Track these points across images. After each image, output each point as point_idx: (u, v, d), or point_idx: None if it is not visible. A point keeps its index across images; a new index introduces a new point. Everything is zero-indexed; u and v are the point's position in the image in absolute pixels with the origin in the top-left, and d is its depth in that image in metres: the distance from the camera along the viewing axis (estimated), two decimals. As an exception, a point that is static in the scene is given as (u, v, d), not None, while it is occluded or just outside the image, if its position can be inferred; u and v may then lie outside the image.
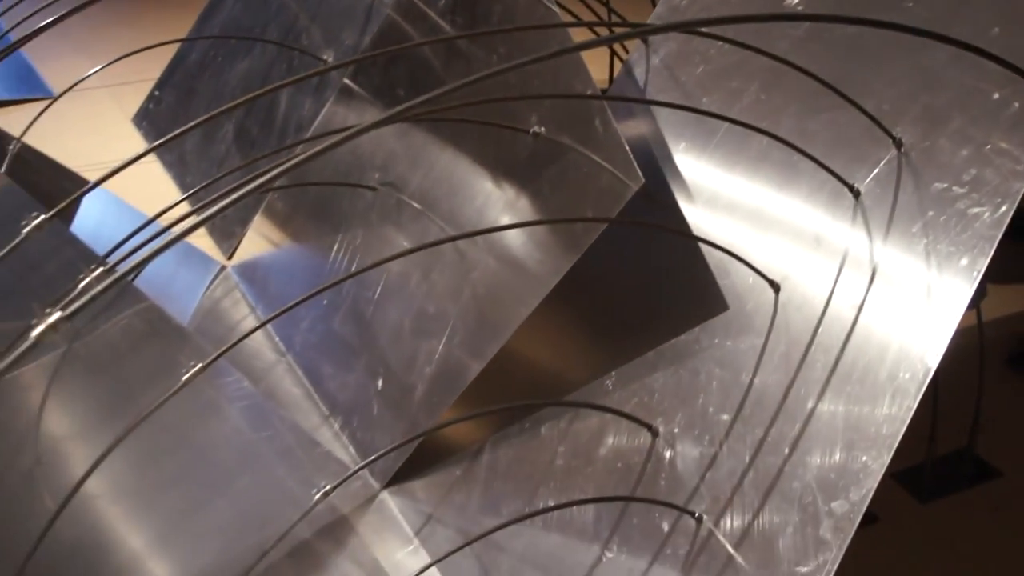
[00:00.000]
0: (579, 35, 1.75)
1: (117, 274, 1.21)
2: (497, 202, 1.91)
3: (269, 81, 2.51)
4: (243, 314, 2.43)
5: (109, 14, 2.05)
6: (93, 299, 1.07)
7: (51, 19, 1.74)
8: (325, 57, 2.41)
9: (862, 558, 1.36)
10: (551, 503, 1.67)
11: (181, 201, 2.04)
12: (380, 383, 2.00)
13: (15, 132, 2.29)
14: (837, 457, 1.39)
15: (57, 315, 1.02)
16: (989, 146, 1.41)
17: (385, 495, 1.88)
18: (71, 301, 1.08)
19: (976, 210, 1.38)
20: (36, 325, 1.07)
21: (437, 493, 1.84)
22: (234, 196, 1.09)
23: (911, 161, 1.48)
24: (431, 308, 1.97)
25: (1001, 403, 2.53)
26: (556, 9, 1.85)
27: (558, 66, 1.79)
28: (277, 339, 2.29)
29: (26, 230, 1.36)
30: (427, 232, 2.01)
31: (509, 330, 1.79)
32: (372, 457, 1.85)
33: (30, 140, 2.29)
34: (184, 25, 2.87)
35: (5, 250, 1.34)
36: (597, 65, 2.78)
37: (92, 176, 2.38)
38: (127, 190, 2.30)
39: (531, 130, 1.82)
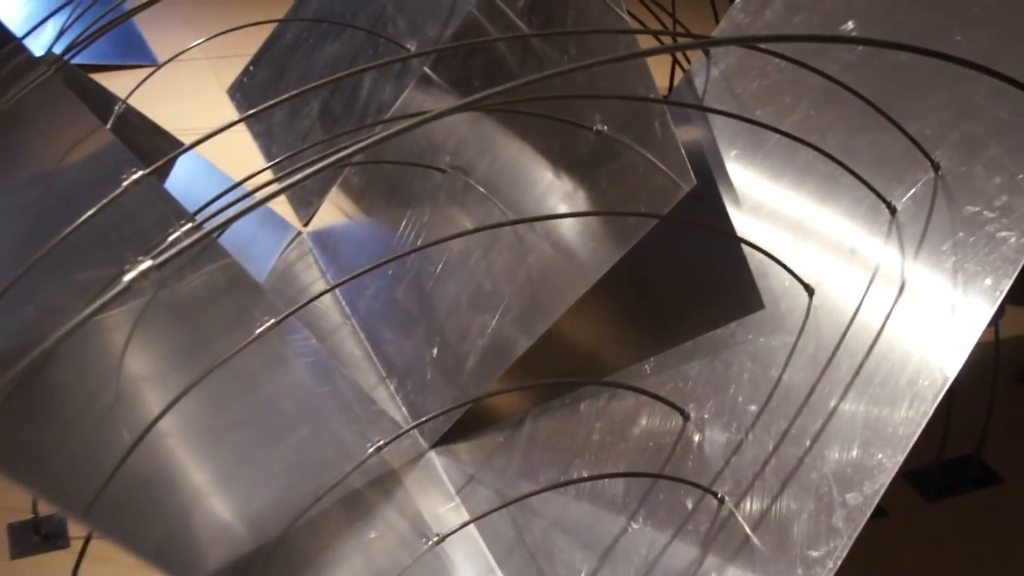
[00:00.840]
0: (645, 42, 1.76)
1: (204, 231, 1.23)
2: (556, 192, 1.92)
3: (355, 64, 2.53)
4: (314, 277, 2.44)
5: (219, 7, 2.09)
6: (180, 252, 1.10)
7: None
8: (408, 46, 2.42)
9: (870, 548, 1.37)
10: (585, 474, 1.69)
11: (266, 169, 2.07)
12: (435, 351, 2.01)
13: (121, 94, 2.32)
14: (854, 453, 1.40)
15: (147, 264, 1.05)
16: (1021, 176, 1.41)
17: (432, 454, 1.89)
18: (160, 252, 1.11)
19: (1004, 234, 1.38)
20: (128, 271, 1.10)
21: (480, 456, 1.85)
22: (315, 167, 1.11)
23: (947, 184, 1.48)
24: (488, 286, 1.97)
25: (1008, 416, 2.54)
26: (625, 16, 1.85)
27: (623, 69, 1.79)
28: (343, 303, 2.30)
29: (125, 183, 1.38)
30: (489, 215, 2.02)
31: (558, 312, 1.79)
32: (423, 419, 1.88)
33: (134, 102, 2.32)
34: (282, 7, 2.89)
35: (104, 201, 1.37)
36: (660, 72, 2.78)
37: (187, 139, 2.41)
38: (218, 155, 2.33)
39: (594, 127, 1.83)
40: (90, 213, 1.37)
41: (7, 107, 1.54)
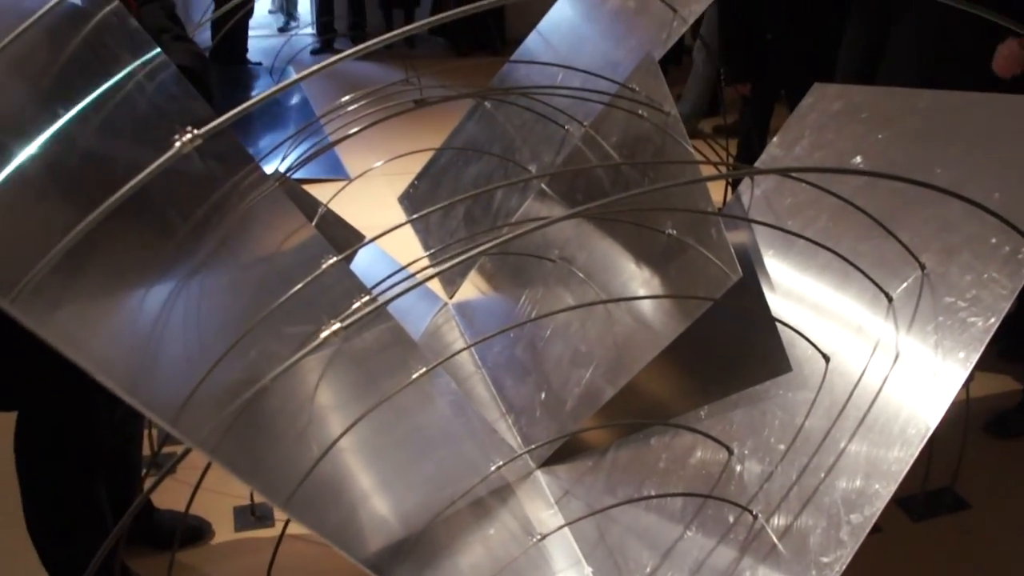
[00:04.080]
0: (706, 167, 1.76)
1: (378, 303, 1.30)
2: (637, 278, 1.93)
3: (491, 182, 2.57)
4: (455, 337, 2.47)
5: (391, 127, 2.16)
6: (361, 318, 1.18)
7: (356, 129, 1.88)
8: (530, 167, 2.45)
9: (867, 558, 1.36)
10: (652, 493, 1.68)
11: (423, 257, 2.13)
12: (543, 395, 2.02)
13: (323, 200, 2.43)
14: (858, 483, 1.39)
15: (337, 325, 1.13)
16: (986, 275, 1.41)
17: (538, 473, 1.90)
18: (346, 317, 1.18)
19: (973, 319, 1.39)
20: (324, 330, 1.17)
21: (573, 476, 1.86)
22: (460, 258, 1.19)
23: (931, 280, 1.48)
24: (583, 347, 1.98)
25: (976, 457, 2.54)
26: (691, 148, 1.87)
27: (689, 188, 1.81)
28: (476, 357, 2.33)
29: (324, 266, 1.45)
30: (586, 295, 2.03)
31: (637, 369, 1.80)
32: (532, 446, 1.90)
33: (332, 206, 2.42)
34: (439, 138, 2.94)
35: (309, 278, 1.44)
36: (716, 189, 2.80)
37: (369, 234, 2.49)
38: (389, 246, 2.40)
39: (666, 231, 1.84)
40: (299, 286, 1.42)
41: (246, 208, 1.60)
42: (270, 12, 8.80)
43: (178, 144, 0.93)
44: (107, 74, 1.36)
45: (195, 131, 0.93)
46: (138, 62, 1.46)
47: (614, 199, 1.49)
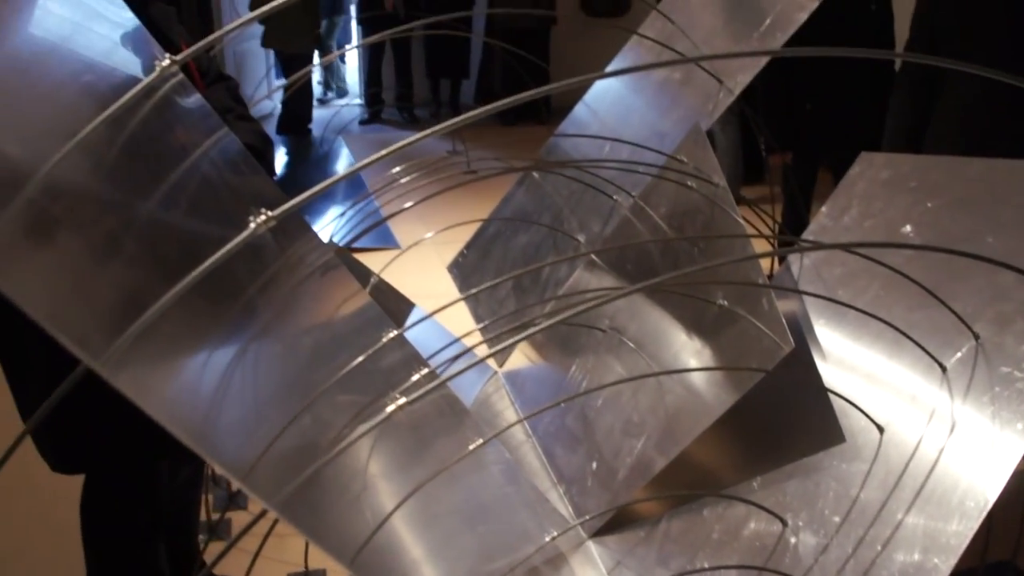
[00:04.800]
0: (758, 241, 1.78)
1: (441, 379, 1.33)
2: (688, 349, 1.94)
3: (540, 251, 2.61)
4: (505, 406, 2.49)
5: (440, 200, 2.24)
6: (426, 394, 1.20)
7: (409, 204, 1.95)
8: (579, 237, 2.49)
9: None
10: (706, 565, 1.67)
11: (476, 329, 2.17)
12: (594, 465, 2.03)
13: (375, 269, 2.46)
14: (916, 557, 1.38)
15: (403, 400, 1.16)
16: (1042, 344, 1.41)
17: (590, 543, 1.90)
18: (408, 390, 1.22)
19: (1030, 389, 1.38)
20: (388, 404, 1.20)
21: (625, 547, 1.85)
22: (514, 339, 1.23)
23: (985, 350, 1.48)
24: (635, 417, 1.99)
25: None
26: (740, 219, 1.90)
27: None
28: (527, 426, 2.35)
29: (384, 340, 1.49)
30: (637, 365, 2.04)
31: (689, 440, 1.80)
32: (585, 517, 1.90)
33: (383, 275, 2.44)
34: (488, 205, 3.00)
35: (367, 352, 1.48)
36: (766, 259, 2.81)
37: (419, 302, 2.55)
38: (441, 314, 2.43)
39: (717, 302, 1.86)
40: (360, 359, 1.45)
41: (304, 275, 1.64)
42: (318, 83, 9.05)
43: (253, 225, 0.99)
44: (172, 148, 1.43)
45: (269, 212, 0.99)
46: (209, 141, 1.53)
47: (668, 276, 1.54)
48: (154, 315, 0.88)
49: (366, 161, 0.94)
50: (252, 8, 8.09)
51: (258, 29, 7.76)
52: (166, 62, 1.01)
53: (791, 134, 4.34)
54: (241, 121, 2.08)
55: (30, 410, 1.95)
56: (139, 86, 0.98)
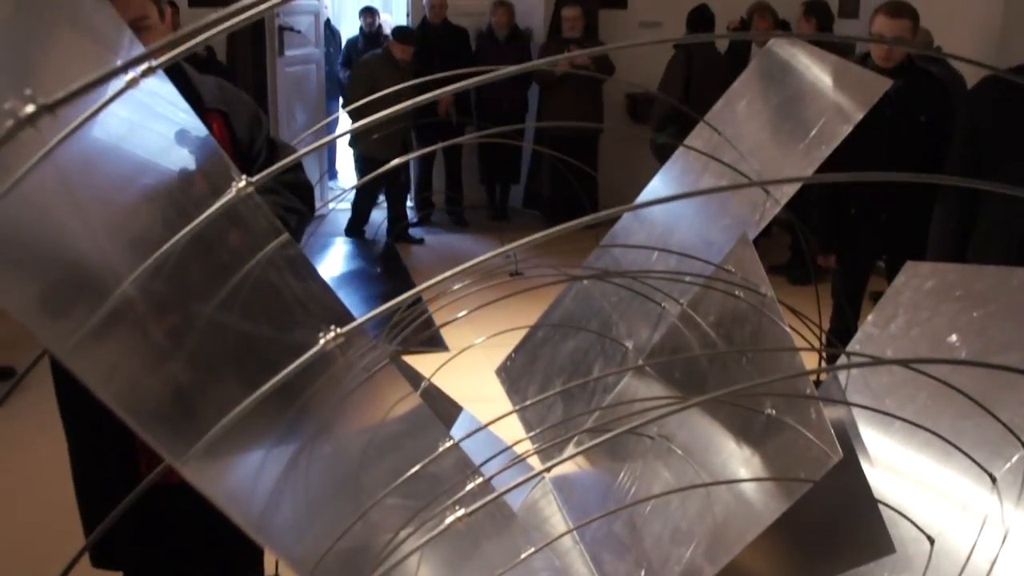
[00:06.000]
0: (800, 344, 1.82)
1: (498, 494, 1.37)
2: (737, 458, 1.97)
3: (588, 357, 2.66)
4: (553, 511, 2.51)
5: (487, 298, 2.32)
6: (486, 504, 1.23)
7: (463, 312, 2.03)
8: (627, 344, 2.54)
9: None
10: None
11: (526, 438, 2.21)
12: (643, 573, 2.03)
13: (423, 370, 2.55)
14: None
15: (462, 511, 1.19)
16: (1092, 456, 1.43)
17: None
18: (461, 500, 1.26)
19: (1080, 500, 1.40)
20: (448, 515, 1.22)
21: None
22: (567, 455, 1.27)
23: None
24: (684, 526, 2.00)
25: None
26: (788, 329, 1.94)
27: (787, 367, 1.87)
28: (575, 532, 2.35)
29: (441, 449, 1.54)
30: (685, 472, 2.07)
31: (738, 549, 1.80)
32: None
33: (434, 379, 2.53)
34: (535, 308, 3.05)
35: (427, 460, 1.53)
36: (813, 360, 2.82)
37: (467, 406, 2.60)
38: (485, 413, 2.45)
39: (765, 411, 1.88)
40: (416, 468, 1.49)
41: (360, 377, 1.71)
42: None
43: (322, 342, 1.07)
44: (228, 248, 1.49)
45: (339, 330, 1.07)
46: (268, 248, 1.62)
47: (720, 393, 1.57)
48: (233, 420, 0.95)
49: (441, 277, 1.02)
50: (344, 104, 8.45)
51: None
52: (242, 183, 1.11)
53: (838, 238, 4.45)
54: (279, 197, 2.20)
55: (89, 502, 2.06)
56: (217, 206, 1.07)
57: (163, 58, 0.85)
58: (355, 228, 8.48)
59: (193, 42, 0.81)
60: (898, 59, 4.28)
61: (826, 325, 4.26)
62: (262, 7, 0.82)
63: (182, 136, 1.51)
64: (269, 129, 2.51)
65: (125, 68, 0.80)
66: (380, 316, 1.15)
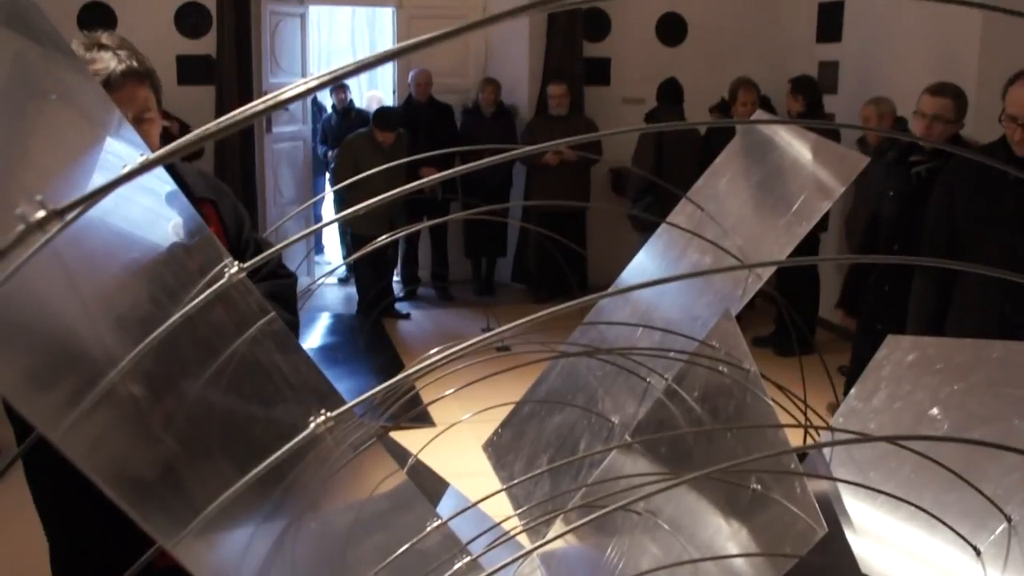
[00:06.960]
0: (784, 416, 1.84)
1: (487, 574, 1.39)
2: (724, 532, 1.97)
3: (575, 432, 2.67)
4: None
5: (473, 373, 2.35)
6: None
7: (451, 390, 2.05)
8: (613, 419, 2.56)
9: None
10: None
11: (514, 515, 2.22)
12: None
13: (409, 446, 2.57)
14: None
15: None
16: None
17: None
18: None
19: (1063, 572, 1.42)
20: None
21: None
22: (554, 535, 1.29)
23: (1018, 532, 1.53)
24: None
25: None
26: (771, 403, 1.96)
27: (772, 443, 1.88)
28: None
29: (428, 529, 1.55)
30: (673, 548, 2.07)
31: None
32: None
33: (421, 455, 2.55)
34: (522, 383, 3.06)
35: (413, 541, 1.54)
36: (796, 435, 2.86)
37: (453, 481, 2.60)
38: (472, 489, 2.49)
39: (751, 486, 1.89)
40: (404, 548, 1.50)
41: (346, 455, 1.73)
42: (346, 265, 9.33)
43: (312, 426, 1.09)
44: (212, 324, 1.51)
45: (328, 414, 1.09)
46: (253, 329, 1.65)
47: (707, 472, 1.58)
48: (225, 502, 0.97)
49: (431, 361, 1.05)
50: (334, 182, 8.55)
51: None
52: (234, 269, 1.14)
53: (862, 304, 4.87)
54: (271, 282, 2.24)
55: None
56: (209, 292, 1.10)
57: (162, 156, 0.87)
58: (366, 304, 8.20)
59: (196, 146, 0.84)
60: (939, 136, 4.20)
61: (811, 398, 4.31)
62: (271, 101, 0.85)
63: (172, 198, 1.51)
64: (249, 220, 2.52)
65: (131, 176, 0.82)
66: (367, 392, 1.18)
